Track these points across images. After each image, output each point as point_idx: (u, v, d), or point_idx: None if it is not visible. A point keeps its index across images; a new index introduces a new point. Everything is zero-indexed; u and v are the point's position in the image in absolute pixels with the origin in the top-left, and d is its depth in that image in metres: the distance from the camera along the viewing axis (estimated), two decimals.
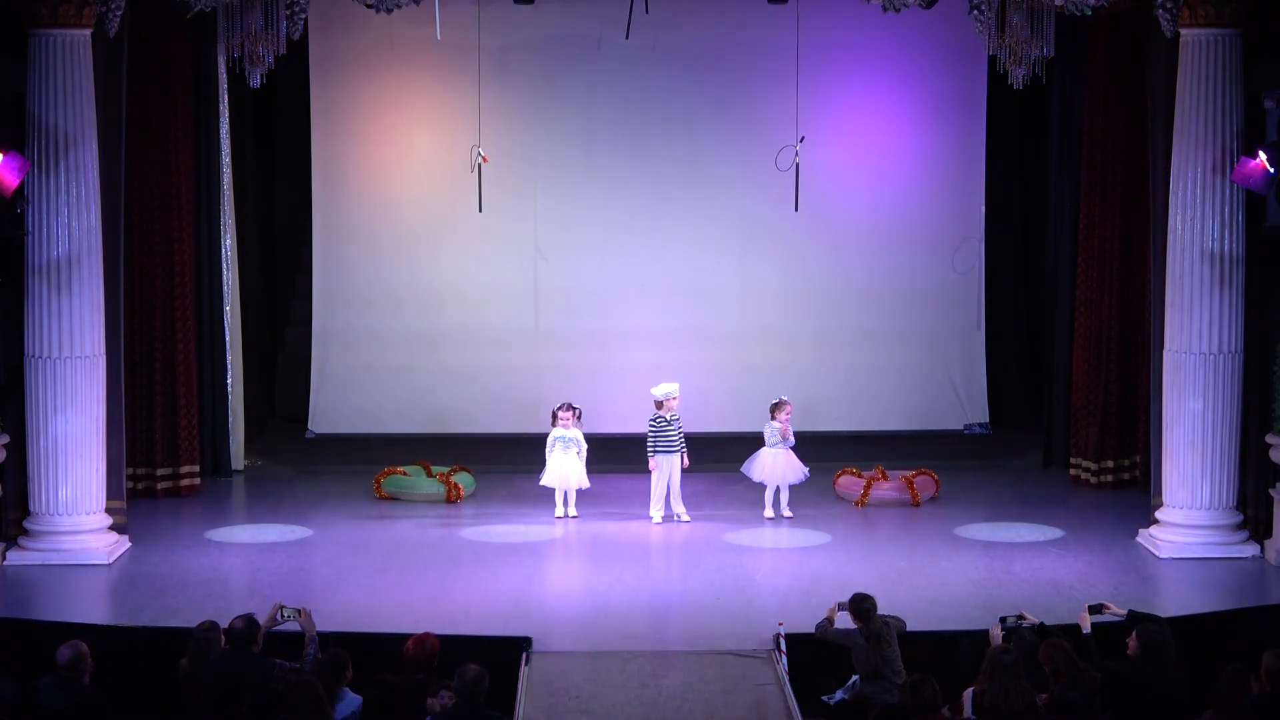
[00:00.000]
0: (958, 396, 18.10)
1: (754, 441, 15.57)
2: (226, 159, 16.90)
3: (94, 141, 13.62)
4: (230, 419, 17.15)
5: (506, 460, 17.07)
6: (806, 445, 15.75)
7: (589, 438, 15.52)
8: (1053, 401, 17.43)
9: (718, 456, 16.50)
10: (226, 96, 16.73)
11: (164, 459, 16.10)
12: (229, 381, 17.08)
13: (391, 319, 17.81)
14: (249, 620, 9.99)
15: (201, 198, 16.42)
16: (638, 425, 15.76)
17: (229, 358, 17.04)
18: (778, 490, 15.44)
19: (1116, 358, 16.28)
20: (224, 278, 16.91)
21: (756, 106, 17.33)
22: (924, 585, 13.10)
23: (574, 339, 17.76)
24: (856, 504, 15.97)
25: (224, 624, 10.16)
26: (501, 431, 17.58)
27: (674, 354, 17.43)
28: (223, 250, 16.89)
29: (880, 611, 10.78)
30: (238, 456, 17.31)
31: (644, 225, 17.77)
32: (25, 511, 13.87)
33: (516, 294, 17.84)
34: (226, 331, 17.02)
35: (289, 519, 15.46)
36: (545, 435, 15.49)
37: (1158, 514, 14.13)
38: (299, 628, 10.30)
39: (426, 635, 10.07)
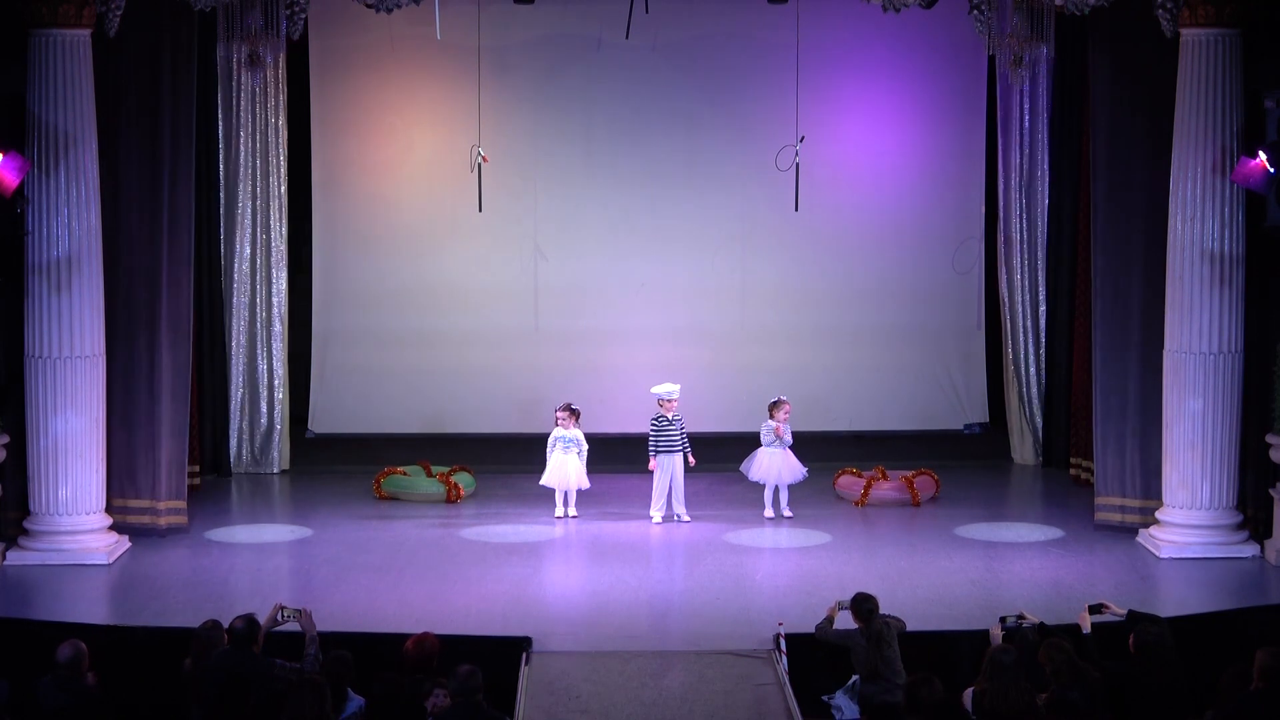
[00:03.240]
0: (957, 396, 18.10)
1: (754, 441, 15.58)
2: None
3: (94, 141, 13.62)
4: (230, 419, 17.19)
5: (506, 460, 17.08)
6: (806, 445, 15.76)
7: (589, 437, 15.53)
8: (1053, 401, 17.44)
9: (718, 457, 16.49)
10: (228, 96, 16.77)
11: None
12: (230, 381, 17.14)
13: (391, 319, 17.81)
14: (249, 620, 9.99)
15: (202, 198, 16.42)
16: (637, 425, 15.77)
17: None
18: (777, 490, 15.45)
19: None
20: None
21: (756, 106, 17.33)
22: (924, 585, 13.10)
23: (574, 339, 17.75)
24: (856, 504, 15.98)
25: (224, 624, 10.16)
26: (501, 431, 17.58)
27: (674, 353, 17.43)
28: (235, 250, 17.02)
29: (880, 611, 10.78)
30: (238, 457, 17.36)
31: (644, 225, 17.78)
32: (25, 511, 13.88)
33: (516, 294, 17.84)
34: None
35: (289, 519, 15.47)
36: (545, 435, 15.50)
37: (1158, 514, 14.14)
38: (299, 628, 10.30)
39: (426, 635, 10.08)
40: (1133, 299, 14.44)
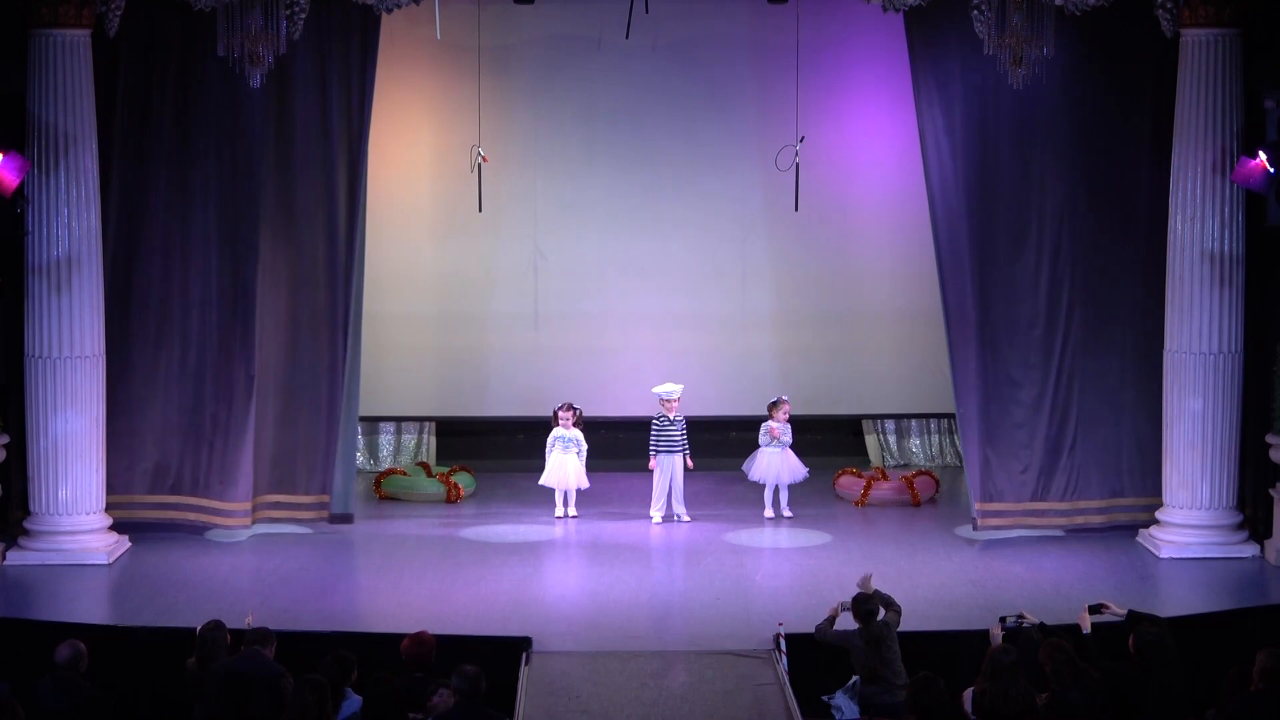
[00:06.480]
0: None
1: (754, 426, 15.62)
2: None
3: (94, 141, 13.64)
4: None
5: (507, 453, 17.08)
6: (807, 436, 15.76)
7: (590, 424, 15.55)
8: None
9: (718, 455, 16.50)
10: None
11: None
12: None
13: (391, 317, 17.76)
14: (265, 630, 10.03)
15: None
16: (638, 410, 15.80)
17: None
18: (777, 490, 15.45)
19: None
20: None
21: (756, 106, 17.30)
22: (924, 585, 13.11)
23: (574, 326, 17.63)
24: (856, 504, 15.99)
25: (226, 625, 10.16)
26: (502, 415, 17.52)
27: (675, 339, 17.35)
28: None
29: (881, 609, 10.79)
30: None
31: (644, 224, 17.71)
32: (25, 511, 13.89)
33: (516, 294, 17.77)
34: None
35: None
36: (545, 420, 15.55)
37: (1158, 514, 14.15)
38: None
39: (422, 632, 10.08)
40: (966, 289, 14.69)
